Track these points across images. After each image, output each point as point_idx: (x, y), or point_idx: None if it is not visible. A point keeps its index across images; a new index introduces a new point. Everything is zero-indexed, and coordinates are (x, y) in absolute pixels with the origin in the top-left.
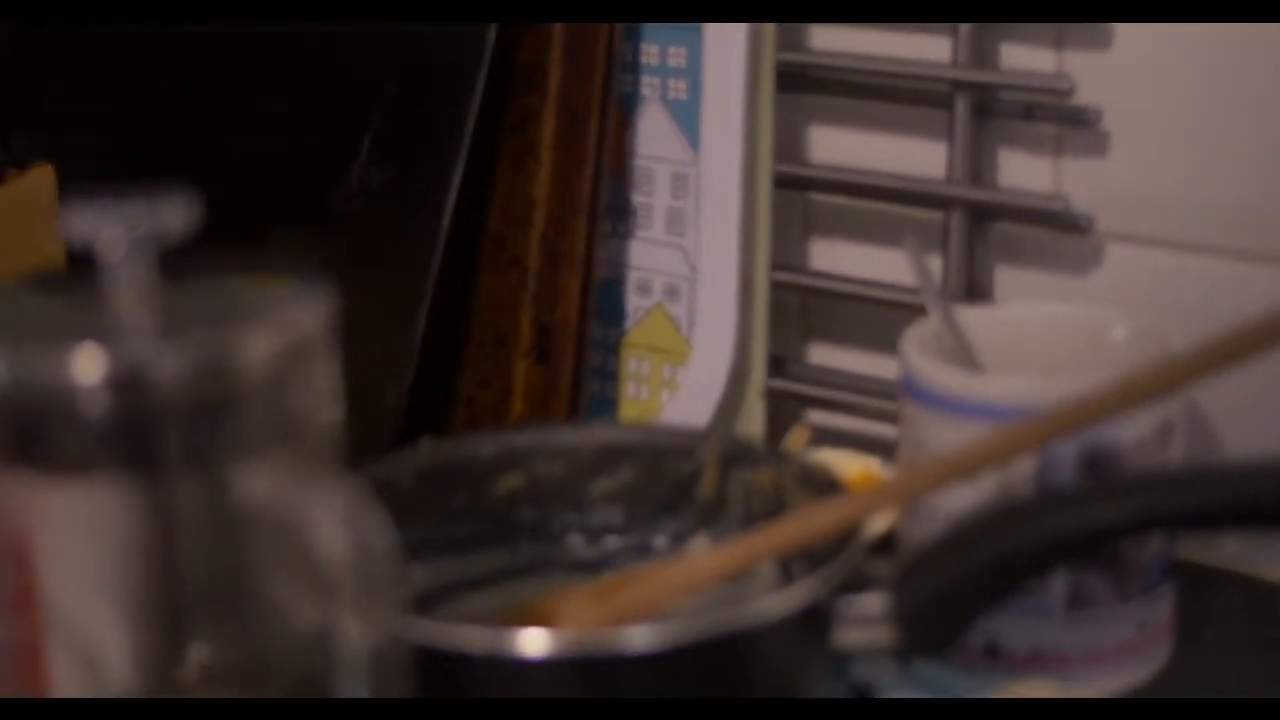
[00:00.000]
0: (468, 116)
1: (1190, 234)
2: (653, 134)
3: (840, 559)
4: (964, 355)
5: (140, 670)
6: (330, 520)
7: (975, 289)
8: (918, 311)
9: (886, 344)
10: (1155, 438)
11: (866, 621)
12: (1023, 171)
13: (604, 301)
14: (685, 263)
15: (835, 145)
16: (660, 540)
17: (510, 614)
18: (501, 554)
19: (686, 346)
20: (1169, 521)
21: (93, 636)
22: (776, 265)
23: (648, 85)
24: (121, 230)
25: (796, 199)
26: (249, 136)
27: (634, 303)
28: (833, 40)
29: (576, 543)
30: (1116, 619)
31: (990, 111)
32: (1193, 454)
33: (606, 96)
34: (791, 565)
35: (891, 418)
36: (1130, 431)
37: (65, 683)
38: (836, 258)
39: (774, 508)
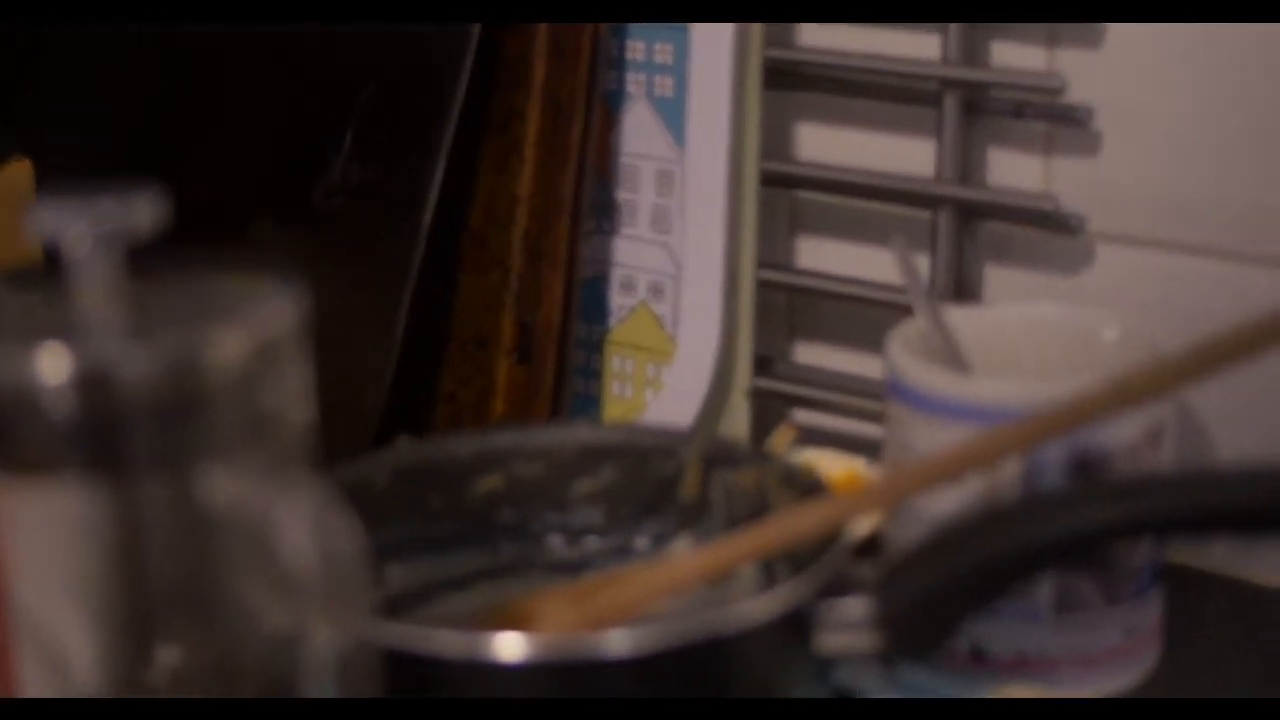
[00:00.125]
0: (450, 113)
1: (1182, 234)
2: (638, 131)
3: (823, 562)
4: (951, 356)
5: (107, 671)
6: (298, 523)
7: (964, 289)
8: (905, 311)
9: (873, 344)
10: (1146, 441)
11: (850, 626)
12: (1013, 170)
13: (588, 299)
14: (670, 261)
15: (823, 143)
16: (641, 542)
17: (488, 616)
18: (481, 554)
19: (671, 345)
20: (1159, 526)
21: (60, 638)
22: (762, 263)
23: (633, 82)
24: (88, 227)
25: (783, 197)
26: (231, 132)
27: (618, 301)
28: (821, 37)
29: (556, 543)
30: (1104, 623)
31: (980, 109)
32: (1184, 458)
33: (591, 92)
34: (774, 568)
35: (878, 418)
36: (1120, 434)
37: (32, 683)
38: (823, 256)
39: (757, 509)
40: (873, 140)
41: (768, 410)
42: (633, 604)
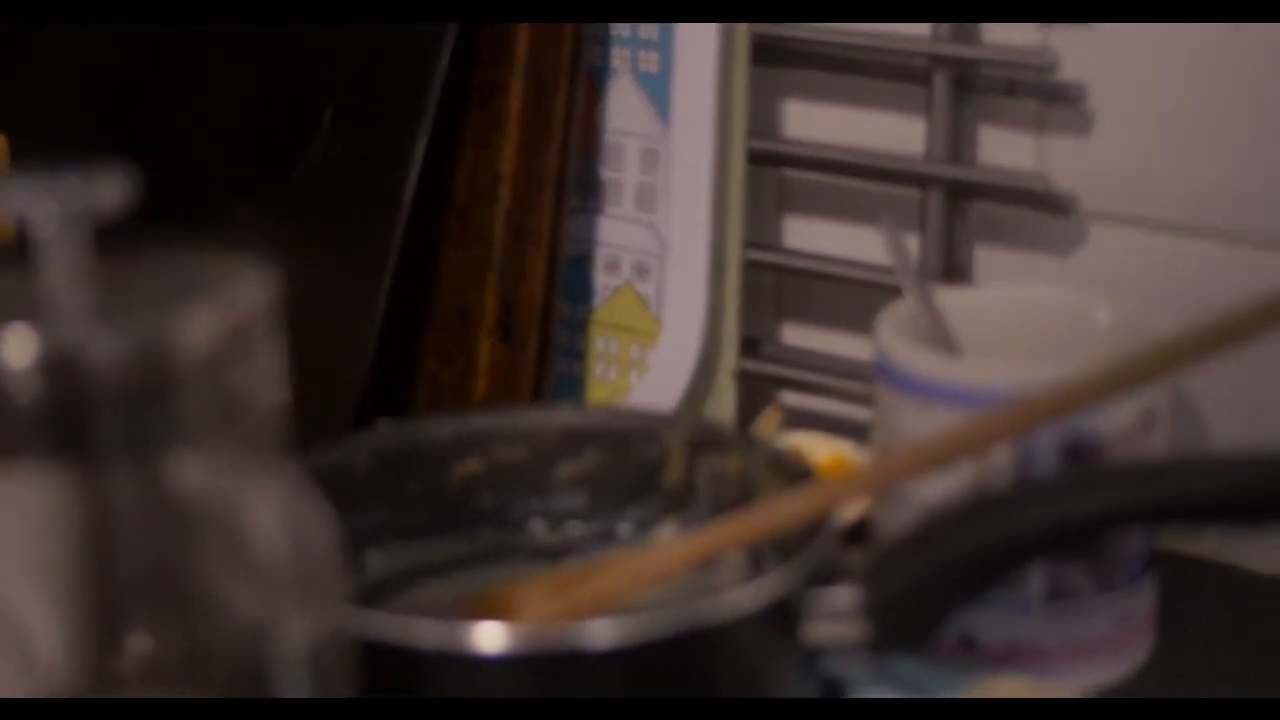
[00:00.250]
0: (432, 88)
1: (1176, 215)
2: (623, 107)
3: (811, 549)
4: (941, 338)
5: (76, 659)
6: (270, 509)
7: (953, 270)
8: (894, 292)
9: (862, 325)
10: (1139, 426)
11: (838, 615)
12: (1004, 149)
13: (571, 279)
14: (655, 240)
15: (811, 120)
16: (625, 527)
17: (467, 604)
18: (460, 540)
19: (656, 326)
20: (1152, 515)
21: (26, 625)
22: (749, 243)
23: (618, 57)
24: (54, 206)
25: (770, 175)
26: (210, 108)
27: (602, 281)
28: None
29: (538, 529)
30: (1096, 612)
31: (970, 87)
32: (1178, 443)
33: (575, 68)
34: (761, 554)
35: (866, 400)
36: (1113, 420)
37: None
38: (811, 236)
39: (743, 495)
40: (861, 118)
41: (754, 393)
42: (615, 593)
